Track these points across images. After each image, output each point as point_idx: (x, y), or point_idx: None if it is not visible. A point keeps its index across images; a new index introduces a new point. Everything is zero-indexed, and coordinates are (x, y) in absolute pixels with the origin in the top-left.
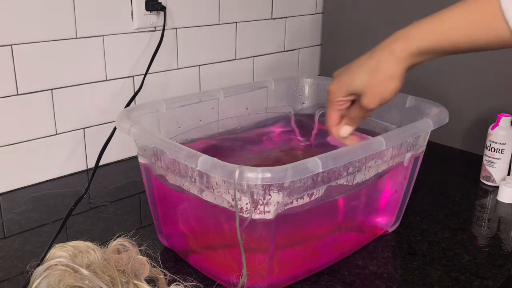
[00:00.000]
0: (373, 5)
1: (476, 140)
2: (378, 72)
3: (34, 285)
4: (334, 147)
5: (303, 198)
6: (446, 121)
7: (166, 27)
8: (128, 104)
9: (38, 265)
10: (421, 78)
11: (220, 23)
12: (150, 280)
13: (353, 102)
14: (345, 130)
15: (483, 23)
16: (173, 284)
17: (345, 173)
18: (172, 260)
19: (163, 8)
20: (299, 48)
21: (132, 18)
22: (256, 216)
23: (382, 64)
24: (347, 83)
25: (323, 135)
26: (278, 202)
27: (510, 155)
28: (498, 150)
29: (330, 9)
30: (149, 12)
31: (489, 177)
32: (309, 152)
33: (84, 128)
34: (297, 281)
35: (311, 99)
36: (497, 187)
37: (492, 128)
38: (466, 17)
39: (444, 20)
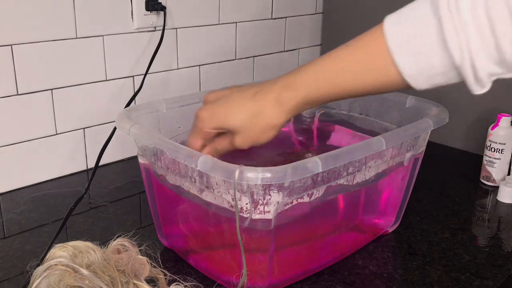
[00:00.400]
0: (373, 5)
1: (476, 140)
2: (260, 118)
3: (34, 285)
4: (334, 147)
5: (303, 198)
6: (446, 121)
7: (166, 27)
8: (128, 104)
9: (38, 265)
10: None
11: (220, 23)
12: (150, 280)
13: (221, 133)
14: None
15: (374, 67)
16: (173, 284)
17: (345, 173)
18: (172, 260)
19: (163, 8)
20: (299, 48)
21: (132, 18)
22: (256, 216)
23: (266, 112)
24: (221, 117)
25: (322, 135)
26: (278, 202)
27: (510, 155)
28: (498, 150)
29: (330, 9)
30: (149, 12)
31: (489, 177)
32: (309, 152)
33: (84, 128)
34: (297, 281)
35: None
36: (497, 187)
37: (492, 128)
38: (356, 62)
39: (334, 65)
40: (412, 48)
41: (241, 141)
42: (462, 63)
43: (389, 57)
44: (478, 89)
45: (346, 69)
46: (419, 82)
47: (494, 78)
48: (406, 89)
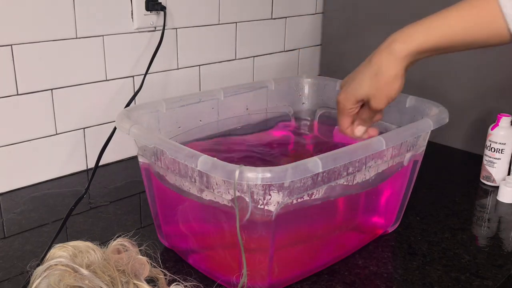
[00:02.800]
0: (373, 5)
1: (476, 140)
2: (381, 74)
3: (34, 285)
4: (334, 147)
5: (303, 198)
6: (446, 121)
7: (166, 27)
8: (128, 104)
9: (38, 265)
10: (421, 78)
11: (220, 23)
12: (150, 280)
13: (362, 105)
14: (359, 130)
15: (481, 20)
16: (173, 284)
17: (345, 173)
18: (172, 260)
19: (163, 8)
20: (299, 48)
21: (132, 18)
22: (256, 216)
23: (383, 66)
24: (353, 92)
25: (323, 135)
26: (278, 202)
27: (510, 155)
28: (498, 150)
29: (330, 9)
30: (149, 12)
31: (489, 177)
32: (309, 152)
33: (84, 128)
34: (297, 281)
35: (311, 99)
36: (497, 187)
37: (492, 128)
38: (465, 16)
39: (443, 19)
40: None
41: (377, 103)
42: None
43: (499, 11)
44: None
45: (453, 22)
46: None
47: None
48: (507, 43)
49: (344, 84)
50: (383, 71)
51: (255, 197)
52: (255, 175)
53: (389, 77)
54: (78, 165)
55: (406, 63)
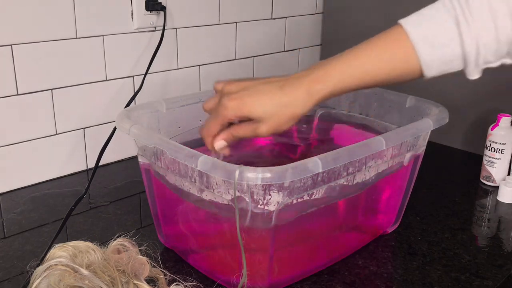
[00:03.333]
0: (373, 5)
1: (476, 140)
2: (289, 108)
3: (34, 285)
4: (334, 147)
5: (303, 198)
6: (446, 121)
7: (166, 27)
8: (128, 104)
9: (38, 265)
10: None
11: (220, 23)
12: (150, 280)
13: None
14: (221, 144)
15: (396, 59)
16: (173, 284)
17: (345, 173)
18: (172, 260)
19: (163, 8)
20: (299, 48)
21: (132, 18)
22: (256, 216)
23: (297, 102)
24: (249, 107)
25: (323, 135)
26: (278, 202)
27: (510, 155)
28: (498, 150)
29: (330, 9)
30: (149, 12)
31: (489, 177)
32: (309, 152)
33: (84, 128)
34: (297, 281)
35: None
36: (497, 187)
37: (492, 128)
38: (381, 55)
39: (359, 58)
40: (430, 41)
41: (266, 129)
42: (470, 52)
43: (412, 49)
44: (475, 75)
45: (371, 62)
46: (432, 69)
47: (486, 66)
48: (418, 78)
49: (232, 90)
50: (295, 106)
51: (255, 197)
52: (255, 175)
53: (299, 114)
54: (78, 165)
55: (316, 105)
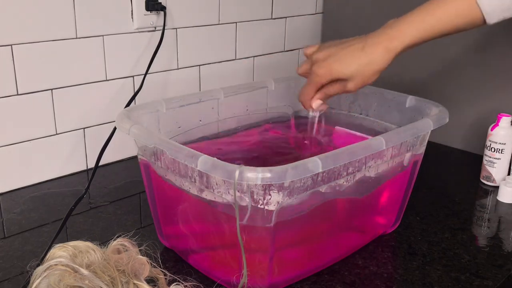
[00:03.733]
0: (373, 5)
1: (476, 140)
2: (372, 65)
3: (34, 285)
4: (334, 147)
5: (303, 198)
6: (446, 121)
7: (166, 27)
8: (128, 104)
9: (38, 265)
10: (421, 78)
11: (220, 23)
12: (150, 280)
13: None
14: (318, 103)
15: (462, 12)
16: (173, 284)
17: (345, 173)
18: (172, 260)
19: (163, 8)
20: (299, 48)
21: (132, 18)
22: (256, 216)
23: (377, 59)
24: (337, 70)
25: (323, 135)
26: (278, 202)
27: (510, 155)
28: (498, 150)
29: (330, 9)
30: (149, 12)
31: (489, 177)
32: (309, 152)
33: (84, 128)
34: (297, 281)
35: None
36: (497, 187)
37: (492, 128)
38: (449, 9)
39: (431, 14)
40: None
41: (354, 85)
42: None
43: (474, 1)
44: None
45: (440, 16)
46: (494, 17)
47: None
48: (482, 25)
49: (320, 57)
50: (375, 63)
51: (255, 197)
52: (255, 175)
53: (380, 69)
54: (78, 165)
55: (395, 57)
